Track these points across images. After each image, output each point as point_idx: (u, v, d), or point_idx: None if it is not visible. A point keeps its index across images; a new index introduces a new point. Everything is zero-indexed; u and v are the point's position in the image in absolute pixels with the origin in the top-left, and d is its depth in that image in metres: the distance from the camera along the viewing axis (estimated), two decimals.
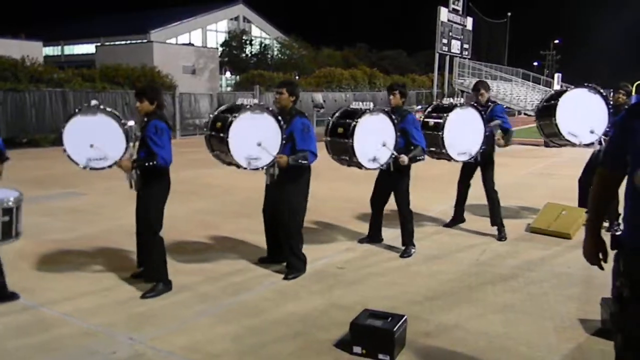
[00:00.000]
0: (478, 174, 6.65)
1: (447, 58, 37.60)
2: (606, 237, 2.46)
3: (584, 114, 6.41)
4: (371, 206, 6.20)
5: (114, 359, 3.55)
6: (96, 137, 4.45)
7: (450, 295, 4.72)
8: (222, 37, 49.16)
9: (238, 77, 36.58)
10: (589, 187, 7.35)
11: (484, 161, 6.35)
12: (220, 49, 45.28)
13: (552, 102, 6.60)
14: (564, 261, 5.69)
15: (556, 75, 43.81)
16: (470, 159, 6.19)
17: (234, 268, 5.40)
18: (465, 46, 39.29)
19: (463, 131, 6.02)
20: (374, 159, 5.46)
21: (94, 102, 4.55)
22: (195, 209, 8.07)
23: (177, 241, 6.15)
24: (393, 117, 5.51)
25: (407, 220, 5.87)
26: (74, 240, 6.31)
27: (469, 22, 39.83)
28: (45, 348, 3.69)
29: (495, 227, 6.55)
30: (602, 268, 2.52)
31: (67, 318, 4.17)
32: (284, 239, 5.18)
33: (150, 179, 4.60)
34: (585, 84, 6.63)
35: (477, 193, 6.90)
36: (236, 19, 53.82)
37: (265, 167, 4.95)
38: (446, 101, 6.30)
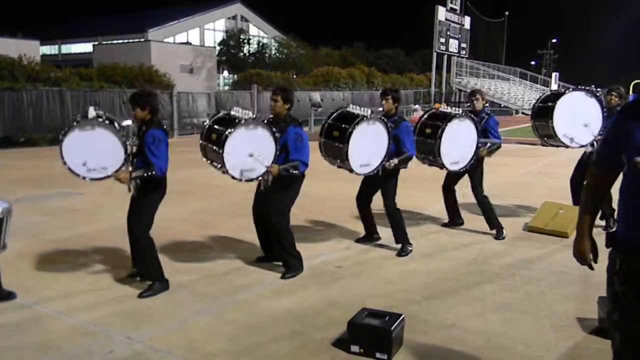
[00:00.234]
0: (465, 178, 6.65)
1: (445, 57, 37.65)
2: (601, 236, 2.46)
3: (580, 117, 6.45)
4: (357, 204, 6.20)
5: (111, 358, 3.54)
6: (94, 151, 4.46)
7: (447, 294, 4.73)
8: (219, 36, 49.11)
9: (236, 76, 36.57)
10: (581, 186, 7.39)
11: (471, 167, 6.34)
12: (218, 47, 45.25)
13: (550, 104, 6.62)
14: (561, 260, 5.69)
15: (554, 74, 43.86)
16: (461, 169, 6.21)
17: (231, 267, 5.40)
18: (463, 45, 39.36)
19: (458, 141, 6.02)
20: (366, 165, 5.49)
21: (92, 113, 4.52)
22: (193, 208, 8.07)
23: (175, 241, 6.14)
24: (388, 125, 5.51)
25: (395, 220, 5.87)
26: (71, 240, 6.30)
27: (467, 21, 39.89)
28: (42, 347, 3.68)
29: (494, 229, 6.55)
30: (592, 268, 2.52)
31: (64, 317, 4.16)
32: (276, 239, 5.19)
33: (147, 187, 4.62)
34: (582, 87, 6.66)
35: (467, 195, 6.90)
36: (234, 17, 53.78)
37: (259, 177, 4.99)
38: (445, 109, 6.28)
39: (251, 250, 5.81)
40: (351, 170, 5.45)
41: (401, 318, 3.70)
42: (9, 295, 4.44)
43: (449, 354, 3.65)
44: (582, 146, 6.61)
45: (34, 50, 28.12)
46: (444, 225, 7.07)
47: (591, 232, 2.51)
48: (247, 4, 54.85)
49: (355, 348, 3.59)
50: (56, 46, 50.44)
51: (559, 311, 4.36)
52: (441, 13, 35.75)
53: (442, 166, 6.07)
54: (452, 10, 37.31)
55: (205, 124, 5.13)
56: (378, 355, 3.51)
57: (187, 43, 44.06)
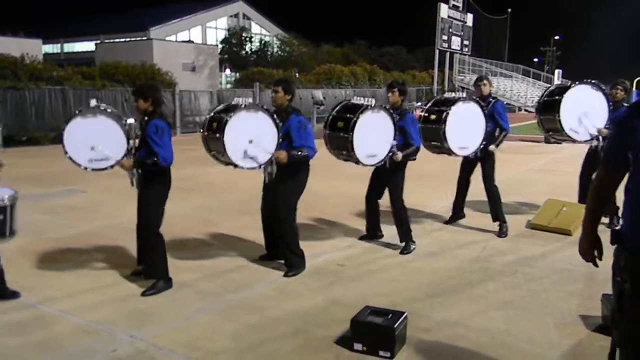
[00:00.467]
0: (478, 169, 6.64)
1: (448, 54, 37.56)
2: (605, 233, 2.45)
3: (586, 110, 6.41)
4: (365, 202, 6.19)
5: (114, 356, 3.54)
6: (97, 138, 4.44)
7: (451, 292, 4.72)
8: (221, 34, 49.10)
9: (238, 74, 36.52)
10: (589, 183, 7.34)
11: (484, 156, 6.34)
12: (220, 46, 45.22)
13: (556, 97, 6.58)
14: (564, 257, 5.68)
15: (557, 71, 43.65)
16: (471, 154, 6.17)
17: (234, 265, 5.40)
18: (466, 42, 39.25)
19: (464, 125, 6.00)
20: (372, 155, 5.45)
21: (93, 103, 4.53)
22: (196, 206, 8.06)
23: (178, 238, 6.14)
24: (394, 115, 5.49)
25: (401, 216, 5.85)
26: (74, 238, 6.31)
27: (469, 18, 39.77)
28: (46, 346, 3.68)
29: (497, 224, 6.54)
30: (596, 265, 2.54)
31: (67, 316, 4.16)
32: (281, 236, 5.18)
33: (151, 179, 4.60)
34: (588, 80, 6.62)
35: (477, 189, 6.88)
36: (236, 16, 53.75)
37: (263, 166, 4.94)
38: (448, 95, 6.27)
39: (254, 248, 5.81)
40: (357, 162, 5.40)
41: (404, 316, 3.69)
42: (12, 294, 4.44)
43: (452, 352, 3.65)
44: (587, 140, 6.58)
45: (37, 49, 28.08)
46: (446, 222, 7.05)
47: (596, 230, 2.51)
48: (249, 2, 54.84)
49: (358, 346, 3.58)
50: (58, 45, 50.49)
51: (562, 309, 4.34)
52: (443, 10, 35.65)
53: (450, 152, 6.04)
54: (455, 7, 37.19)
55: (207, 115, 5.11)
56: (381, 353, 3.51)
57: (189, 41, 44.02)
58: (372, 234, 6.27)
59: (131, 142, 4.63)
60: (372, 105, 5.36)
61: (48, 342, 3.74)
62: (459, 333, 3.90)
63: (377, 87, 34.17)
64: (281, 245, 5.23)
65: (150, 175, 4.59)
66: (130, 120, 4.69)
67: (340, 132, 5.32)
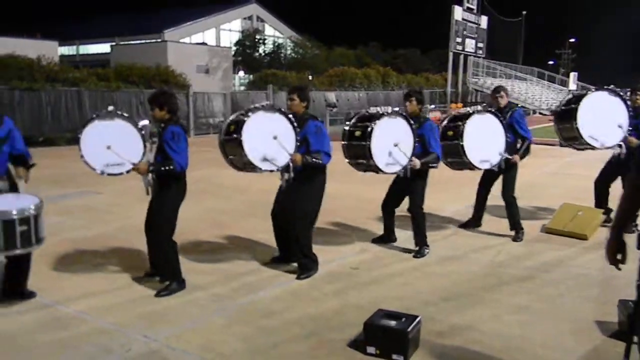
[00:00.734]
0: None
1: (462, 57, 37.39)
2: (631, 237, 2.46)
3: (604, 117, 6.35)
4: (382, 209, 6.18)
5: (128, 356, 3.57)
6: (113, 142, 4.45)
7: (464, 296, 4.69)
8: (235, 37, 49.29)
9: (251, 76, 36.67)
10: (606, 188, 7.27)
11: (507, 168, 6.27)
12: (234, 48, 45.40)
13: (572, 106, 6.52)
14: (580, 262, 5.62)
15: (572, 74, 43.35)
16: (493, 166, 6.13)
17: (246, 268, 5.41)
18: (480, 45, 39.06)
19: (483, 138, 5.96)
20: (392, 163, 5.43)
21: (110, 109, 4.57)
22: (208, 208, 8.10)
23: (190, 240, 6.17)
24: (411, 123, 5.47)
25: (419, 221, 5.83)
26: (89, 239, 6.36)
27: (484, 20, 39.58)
28: (61, 346, 3.72)
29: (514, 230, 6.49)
30: (619, 269, 2.57)
31: (82, 316, 4.20)
32: (294, 240, 5.18)
33: (166, 184, 4.64)
34: (605, 87, 6.55)
35: (493, 193, 6.84)
36: (250, 18, 53.95)
37: (280, 170, 4.95)
38: (463, 110, 6.24)
39: (266, 250, 5.82)
40: (377, 170, 5.40)
41: (418, 320, 3.68)
42: (29, 294, 4.49)
43: (466, 356, 3.62)
44: (609, 147, 6.51)
45: (53, 50, 28.43)
46: (461, 226, 7.01)
47: (623, 235, 2.54)
48: (262, 4, 55.01)
49: (371, 349, 3.57)
50: (74, 47, 50.96)
51: (577, 314, 4.30)
52: (458, 13, 35.52)
53: (472, 166, 6.01)
54: (469, 9, 37.04)
55: (223, 123, 5.12)
56: (394, 356, 3.50)
57: (203, 43, 44.25)
58: (386, 237, 6.25)
59: (147, 145, 4.65)
60: (389, 112, 5.34)
61: (64, 342, 3.77)
62: (472, 337, 3.88)
63: (391, 89, 34.14)
64: (294, 248, 5.23)
65: (165, 181, 4.62)
66: (145, 122, 4.72)
67: (358, 141, 5.32)
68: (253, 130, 4.72)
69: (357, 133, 5.36)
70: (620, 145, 6.41)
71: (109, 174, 4.57)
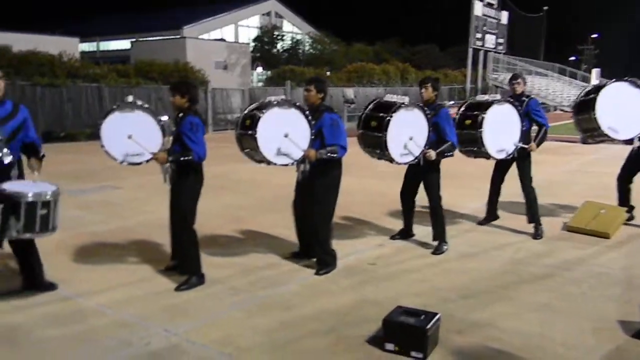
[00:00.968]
0: (513, 170, 6.51)
1: (481, 53, 37.01)
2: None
3: (625, 108, 6.23)
4: (401, 199, 6.15)
5: (148, 350, 3.60)
6: (133, 132, 4.50)
7: (484, 294, 4.65)
8: (254, 33, 49.43)
9: (269, 72, 36.71)
10: (627, 185, 7.16)
11: (520, 156, 6.22)
12: (252, 44, 45.52)
13: (591, 96, 6.42)
14: (603, 261, 5.54)
15: (594, 70, 42.52)
16: (508, 155, 6.08)
17: (265, 262, 5.42)
18: (500, 41, 38.60)
19: (500, 128, 5.90)
20: (406, 154, 5.41)
21: (130, 98, 4.62)
22: (227, 203, 8.13)
23: (210, 235, 6.20)
24: (427, 112, 5.43)
25: (437, 215, 5.79)
26: (109, 233, 6.43)
27: (504, 16, 39.10)
28: (81, 338, 3.76)
29: (532, 225, 6.41)
30: None
31: (102, 309, 4.24)
32: (314, 235, 5.18)
33: (184, 174, 4.65)
34: (626, 78, 6.44)
35: (512, 190, 6.77)
36: (268, 14, 54.05)
37: (295, 163, 4.94)
38: (481, 97, 6.19)
39: (284, 245, 5.83)
40: (392, 160, 5.37)
41: (437, 317, 3.65)
42: (50, 286, 4.56)
43: (486, 354, 3.59)
44: (626, 141, 6.40)
45: (74, 47, 28.71)
46: (480, 223, 6.95)
47: None
48: (281, 0, 55.05)
49: (390, 346, 3.55)
50: (95, 43, 51.50)
51: (599, 313, 4.24)
52: (477, 8, 35.14)
53: (487, 156, 5.97)
54: (489, 5, 36.62)
55: (240, 115, 5.14)
56: (413, 354, 3.48)
57: (222, 40, 44.43)
58: (404, 233, 6.22)
59: (166, 138, 4.69)
60: (406, 103, 5.31)
61: (84, 334, 3.81)
62: (492, 335, 3.84)
63: (409, 85, 33.91)
64: (313, 243, 5.23)
65: (184, 171, 4.64)
66: (165, 118, 4.76)
67: (373, 132, 5.29)
68: (267, 126, 4.72)
69: (373, 123, 5.33)
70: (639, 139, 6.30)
71: (129, 164, 4.62)
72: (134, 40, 41.43)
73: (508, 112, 6.01)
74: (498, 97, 6.09)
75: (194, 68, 23.10)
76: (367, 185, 9.24)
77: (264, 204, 8.10)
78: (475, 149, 5.94)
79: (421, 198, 6.04)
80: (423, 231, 6.19)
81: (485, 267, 5.36)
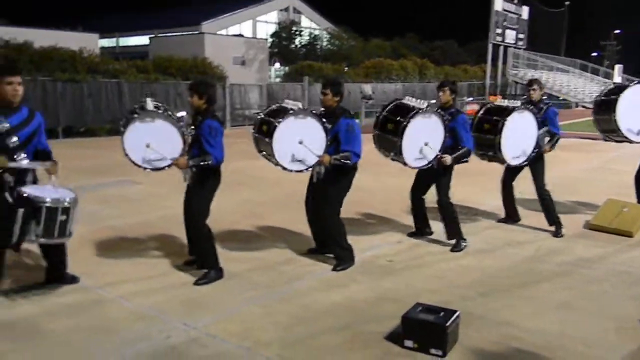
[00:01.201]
0: (525, 172, 6.43)
1: (501, 48, 36.62)
2: None
3: None
4: (410, 197, 6.11)
5: (168, 343, 3.63)
6: (153, 139, 4.55)
7: (503, 291, 4.61)
8: (271, 28, 49.44)
9: (287, 68, 36.71)
10: None
11: (533, 160, 6.14)
12: (270, 40, 45.55)
13: (612, 97, 6.34)
14: (624, 260, 5.46)
15: (617, 66, 41.92)
16: (522, 163, 6.03)
17: (283, 258, 5.44)
18: (521, 36, 38.15)
19: (518, 135, 5.85)
20: (420, 158, 5.39)
21: (149, 101, 4.61)
22: (244, 199, 8.16)
23: (227, 230, 6.23)
24: (444, 117, 5.39)
25: (447, 213, 5.75)
26: (129, 227, 6.49)
27: (525, 11, 38.64)
28: (102, 330, 3.80)
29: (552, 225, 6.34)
30: None
31: (123, 302, 4.29)
32: (327, 231, 5.19)
33: (203, 176, 4.70)
34: None
35: (531, 187, 6.68)
36: (286, 9, 54.01)
37: (310, 169, 4.99)
38: (501, 102, 6.12)
39: (302, 241, 5.83)
40: (405, 164, 5.37)
41: (457, 314, 3.63)
42: (72, 279, 4.62)
43: (506, 352, 3.56)
44: None
45: (93, 43, 28.98)
46: (500, 221, 6.88)
47: None
48: None
49: (409, 343, 3.54)
50: (114, 39, 51.93)
51: (621, 312, 4.18)
52: (498, 3, 34.75)
53: (503, 161, 5.92)
54: (510, 0, 36.24)
55: (258, 116, 5.17)
56: (433, 351, 3.46)
57: (240, 35, 44.52)
58: (421, 230, 6.18)
59: (185, 138, 4.71)
60: (424, 109, 5.27)
61: (104, 326, 3.86)
62: (512, 333, 3.81)
63: (427, 81, 33.70)
64: (328, 240, 5.23)
65: (202, 173, 4.69)
66: (182, 113, 4.79)
67: (389, 135, 5.28)
68: (283, 135, 4.78)
69: (390, 126, 5.31)
70: None
71: (153, 169, 4.67)
72: (152, 36, 41.68)
73: (527, 120, 5.94)
74: (518, 103, 6.02)
75: (212, 64, 23.17)
76: (385, 182, 9.21)
77: (282, 200, 8.11)
78: (491, 153, 5.90)
79: (433, 200, 6.00)
80: (441, 228, 6.14)
81: (504, 264, 5.32)
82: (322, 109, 5.18)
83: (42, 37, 20.32)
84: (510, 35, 36.75)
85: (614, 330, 3.88)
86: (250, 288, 4.61)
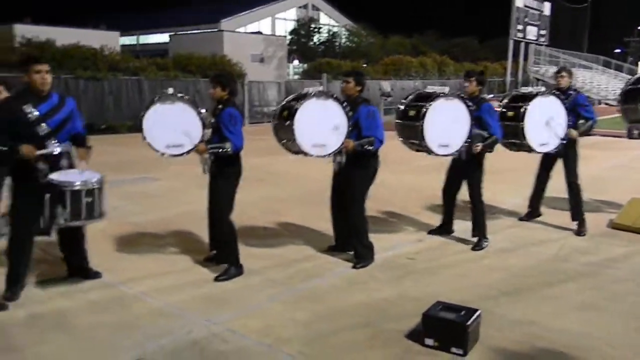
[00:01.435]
0: (558, 166, 6.34)
1: (522, 45, 36.16)
2: None
3: None
4: (442, 195, 6.06)
5: (189, 338, 3.64)
6: (175, 123, 4.57)
7: (526, 291, 4.55)
8: (290, 25, 49.46)
9: (306, 65, 36.70)
10: None
11: (566, 151, 6.04)
12: (289, 37, 45.57)
13: (639, 85, 6.19)
14: None
15: None
16: (552, 150, 5.91)
17: (302, 255, 5.43)
18: (542, 32, 37.62)
19: (544, 120, 5.73)
20: (445, 145, 5.30)
21: (171, 91, 4.68)
22: (264, 196, 8.17)
23: (247, 226, 6.24)
24: (469, 105, 5.33)
25: (479, 212, 5.69)
26: (150, 223, 6.54)
27: (547, 7, 38.09)
28: (124, 325, 3.84)
29: (576, 222, 6.24)
30: None
31: (144, 297, 4.33)
32: (351, 227, 5.16)
33: (223, 165, 4.70)
34: None
35: (556, 185, 6.59)
36: (305, 7, 54.00)
37: (332, 155, 4.93)
38: (525, 89, 6.03)
39: (321, 238, 5.82)
40: (429, 152, 5.29)
41: (478, 313, 3.59)
42: (94, 274, 4.67)
43: (529, 352, 3.52)
44: None
45: (114, 41, 29.27)
46: (522, 219, 6.80)
47: None
48: None
49: (429, 341, 3.52)
50: (135, 37, 52.39)
51: None
52: None
53: (530, 149, 5.81)
54: None
55: (278, 106, 5.16)
56: (453, 349, 3.43)
57: (259, 32, 44.62)
58: (445, 228, 6.13)
59: (206, 130, 4.73)
60: (446, 92, 5.21)
61: (126, 321, 3.89)
62: (535, 333, 3.76)
63: (447, 78, 33.41)
64: (350, 236, 5.21)
65: (222, 162, 4.68)
66: (202, 110, 4.81)
67: (411, 121, 5.22)
68: (305, 118, 4.73)
69: (411, 112, 5.26)
70: None
71: (170, 155, 4.68)
72: (172, 33, 41.97)
73: (553, 104, 5.83)
74: (542, 89, 5.92)
75: (231, 61, 23.25)
76: (405, 180, 9.15)
77: (301, 197, 8.11)
78: (517, 141, 5.79)
79: (461, 193, 5.94)
80: (462, 226, 6.09)
81: (526, 263, 5.25)
82: (343, 98, 5.13)
83: (64, 35, 20.60)
84: (532, 32, 36.26)
85: (639, 330, 3.80)
86: (270, 285, 4.62)
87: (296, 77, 41.29)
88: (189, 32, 42.11)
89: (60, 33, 22.80)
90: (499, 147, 5.74)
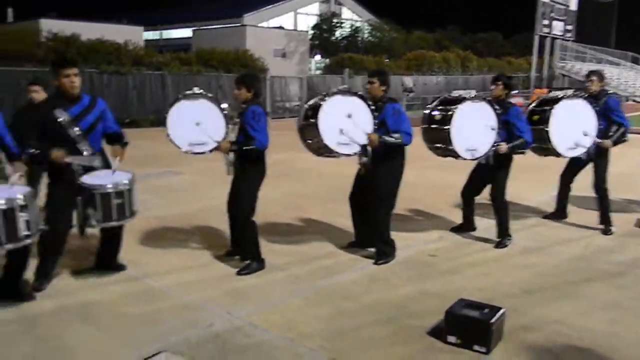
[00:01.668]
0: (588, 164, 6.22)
1: (548, 40, 35.58)
2: None
3: None
4: (462, 197, 6.01)
5: (211, 331, 3.68)
6: (198, 122, 4.62)
7: (550, 289, 4.49)
8: (312, 20, 49.36)
9: (328, 60, 36.64)
10: None
11: (597, 158, 5.93)
12: (311, 32, 45.50)
13: None
14: None
15: None
16: (582, 154, 5.80)
17: (324, 251, 5.44)
18: (569, 27, 36.93)
19: (571, 125, 5.63)
20: (472, 149, 5.26)
21: (196, 90, 4.72)
22: (287, 191, 8.19)
23: (270, 222, 6.27)
24: (496, 109, 5.26)
25: (502, 211, 5.62)
26: (173, 217, 6.61)
27: (573, 2, 37.40)
28: (147, 318, 3.89)
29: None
30: None
31: (167, 290, 4.38)
32: (373, 225, 5.14)
33: (247, 163, 4.72)
34: None
35: (582, 184, 6.49)
36: (327, 1, 53.80)
37: (358, 153, 4.92)
38: (554, 94, 5.93)
39: (343, 234, 5.82)
40: (457, 156, 5.25)
41: (502, 311, 3.56)
42: (119, 267, 4.75)
43: (553, 350, 3.48)
44: None
45: (138, 35, 29.53)
46: (546, 217, 6.71)
47: None
48: None
49: (452, 338, 3.50)
50: (158, 32, 52.79)
51: None
52: None
53: (557, 154, 5.73)
54: None
55: (304, 106, 5.16)
56: (476, 347, 3.41)
57: (281, 27, 44.64)
58: (466, 226, 6.08)
59: (230, 126, 4.76)
60: (472, 95, 5.17)
61: (150, 314, 3.95)
62: (559, 332, 3.72)
63: (470, 74, 33.12)
64: (372, 233, 5.19)
65: (247, 161, 4.70)
66: (224, 105, 4.84)
67: (437, 125, 5.20)
68: (329, 114, 4.73)
69: (438, 117, 5.23)
70: None
71: (193, 153, 4.72)
72: (195, 28, 42.19)
73: (581, 108, 5.72)
74: (570, 92, 5.81)
75: (253, 56, 23.35)
76: (428, 177, 9.10)
77: (323, 193, 8.11)
78: (543, 145, 5.69)
79: (484, 191, 5.89)
80: (485, 224, 6.04)
81: (550, 262, 5.19)
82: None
83: (88, 30, 20.86)
84: (558, 27, 35.62)
85: None
86: (291, 281, 4.64)
87: (318, 72, 41.22)
88: (211, 27, 42.31)
89: (85, 28, 23.09)
90: None
